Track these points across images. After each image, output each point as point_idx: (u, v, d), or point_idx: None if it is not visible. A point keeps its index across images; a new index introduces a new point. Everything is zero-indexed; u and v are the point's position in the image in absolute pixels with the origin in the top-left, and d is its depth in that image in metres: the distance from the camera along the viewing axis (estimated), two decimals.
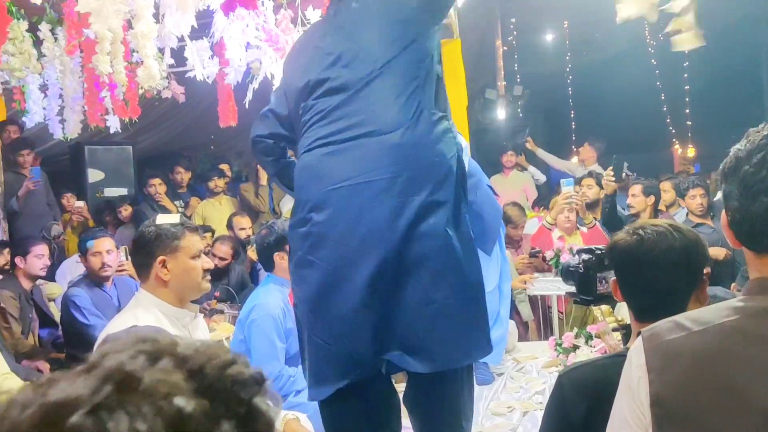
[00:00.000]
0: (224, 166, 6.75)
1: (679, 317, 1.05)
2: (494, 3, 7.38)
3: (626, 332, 2.03)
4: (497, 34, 7.87)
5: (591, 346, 3.30)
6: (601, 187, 4.78)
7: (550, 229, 4.72)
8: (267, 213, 6.24)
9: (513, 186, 6.69)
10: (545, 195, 6.77)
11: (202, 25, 3.26)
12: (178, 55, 3.84)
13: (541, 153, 7.19)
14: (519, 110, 8.03)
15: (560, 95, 9.22)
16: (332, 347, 1.79)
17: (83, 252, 3.86)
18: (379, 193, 1.74)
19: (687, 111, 9.06)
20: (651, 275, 1.51)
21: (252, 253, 4.55)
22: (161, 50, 3.45)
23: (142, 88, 3.96)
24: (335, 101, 1.83)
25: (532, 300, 4.62)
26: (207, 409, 0.51)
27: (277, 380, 2.80)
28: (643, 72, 9.12)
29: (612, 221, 4.54)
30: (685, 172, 8.20)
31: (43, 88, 4.61)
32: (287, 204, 6.04)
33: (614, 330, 2.16)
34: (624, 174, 4.76)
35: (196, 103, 6.65)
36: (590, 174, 5.28)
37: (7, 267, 4.47)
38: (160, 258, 2.08)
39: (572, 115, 9.11)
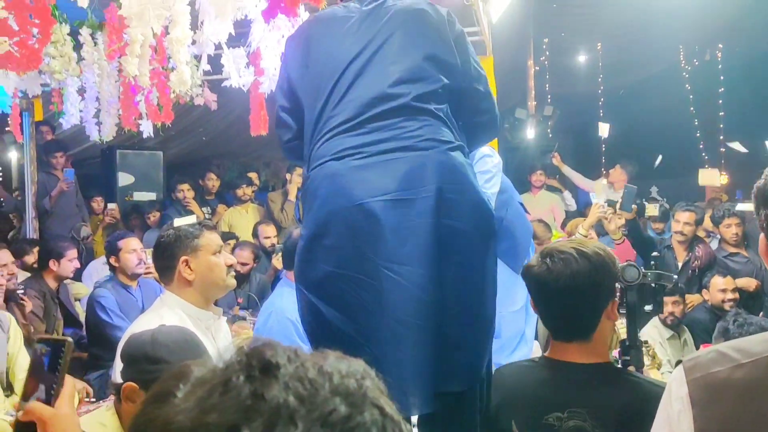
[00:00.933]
0: (252, 175, 6.81)
1: (723, 347, 1.00)
2: (527, 22, 7.36)
3: (623, 347, 2.02)
4: (529, 54, 7.85)
5: None
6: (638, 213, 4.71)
7: None
8: (290, 226, 6.25)
9: (541, 206, 6.63)
10: (573, 217, 6.70)
11: (240, 34, 3.29)
12: (213, 62, 3.88)
13: (567, 170, 7.10)
14: (549, 130, 7.98)
15: (591, 117, 9.14)
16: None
17: (114, 252, 3.91)
18: (420, 212, 1.67)
19: (721, 138, 8.92)
20: (559, 301, 1.60)
21: (277, 262, 4.55)
22: (198, 57, 3.49)
23: (174, 93, 4.01)
24: (371, 111, 1.76)
25: None
26: None
27: None
28: (677, 96, 9.01)
29: (642, 244, 4.47)
30: (717, 199, 8.06)
31: (81, 91, 4.69)
32: None
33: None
34: (636, 202, 4.66)
35: (227, 111, 6.72)
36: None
37: (35, 265, 4.53)
38: (183, 258, 2.09)
39: (602, 137, 9.02)
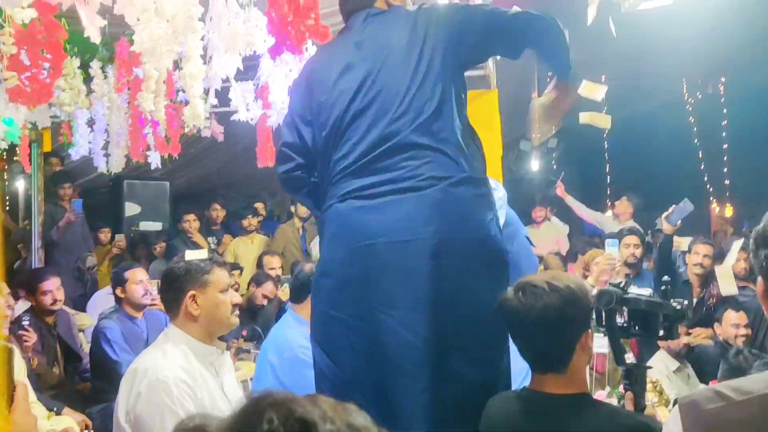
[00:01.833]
0: (258, 205, 6.83)
1: (719, 386, 1.02)
2: (532, 55, 7.44)
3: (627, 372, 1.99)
4: (534, 86, 7.91)
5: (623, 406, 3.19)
6: (644, 246, 4.69)
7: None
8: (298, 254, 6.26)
9: (546, 238, 6.63)
10: (576, 247, 6.67)
11: (248, 67, 3.33)
12: (221, 95, 3.93)
13: (570, 200, 7.06)
14: (553, 162, 8.01)
15: (596, 149, 9.18)
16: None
17: (120, 283, 3.91)
18: (417, 254, 1.68)
19: (725, 170, 8.94)
20: (532, 334, 1.63)
21: (282, 294, 4.55)
22: (206, 90, 3.53)
23: (188, 127, 4.06)
24: (372, 153, 1.77)
25: None
26: None
27: None
28: (682, 129, 9.06)
29: (664, 265, 4.44)
30: (722, 231, 8.04)
31: (90, 122, 4.75)
32: (317, 246, 6.05)
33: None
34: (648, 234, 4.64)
35: (233, 142, 6.78)
36: (631, 231, 5.11)
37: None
38: (191, 293, 2.09)
39: (607, 169, 9.05)
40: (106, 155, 4.95)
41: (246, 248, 6.19)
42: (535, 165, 7.75)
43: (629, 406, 1.84)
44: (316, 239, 6.12)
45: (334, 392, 1.69)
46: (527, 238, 3.00)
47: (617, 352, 2.05)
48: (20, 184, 7.55)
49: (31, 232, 5.62)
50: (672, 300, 1.96)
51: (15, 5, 2.09)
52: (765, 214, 1.03)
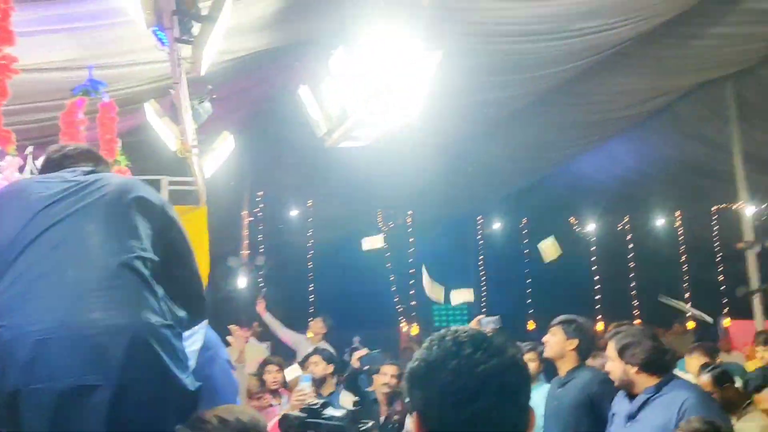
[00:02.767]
0: None
1: None
2: (245, 175, 7.66)
3: None
4: (244, 205, 8.09)
5: None
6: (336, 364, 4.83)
7: None
8: None
9: (249, 358, 6.53)
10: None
11: None
12: None
13: (268, 318, 7.05)
14: (260, 280, 8.12)
15: (301, 268, 9.59)
16: None
17: None
18: (95, 404, 1.52)
19: (412, 292, 9.97)
20: None
21: None
22: None
23: None
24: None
25: None
26: None
27: None
28: (377, 253, 9.96)
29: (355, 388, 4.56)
30: (410, 349, 8.82)
31: None
32: None
33: None
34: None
35: None
36: (316, 351, 5.22)
37: None
38: None
39: (311, 289, 9.47)
40: None
41: None
42: (242, 282, 7.75)
43: None
44: None
45: None
46: (228, 361, 2.92)
47: None
48: None
49: None
50: (359, 421, 2.03)
51: None
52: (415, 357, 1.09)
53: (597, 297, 11.20)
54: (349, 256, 10.00)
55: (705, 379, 3.63)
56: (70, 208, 1.72)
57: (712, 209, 10.26)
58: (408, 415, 4.38)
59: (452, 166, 8.07)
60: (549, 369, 3.33)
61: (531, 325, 10.58)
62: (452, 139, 7.05)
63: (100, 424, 1.51)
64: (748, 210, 8.28)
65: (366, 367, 3.89)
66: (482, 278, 11.74)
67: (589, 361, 3.42)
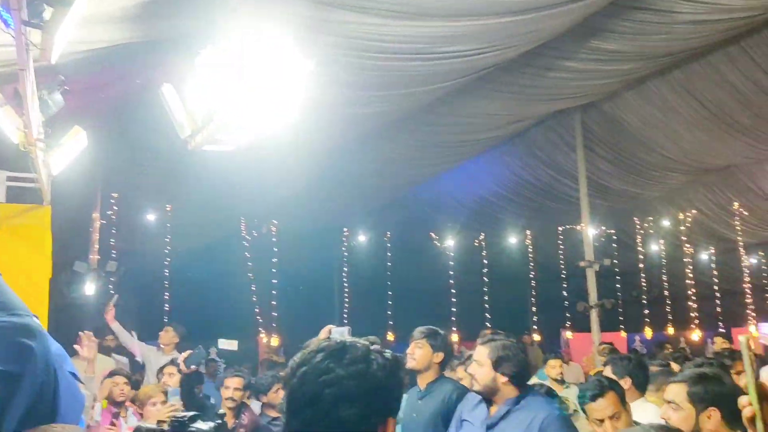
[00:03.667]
0: None
1: None
2: (97, 175, 7.17)
3: None
4: (96, 207, 7.58)
5: None
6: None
7: None
8: None
9: (99, 370, 6.07)
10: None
11: None
12: None
13: (116, 327, 6.55)
14: (111, 286, 7.60)
15: (158, 276, 9.13)
16: None
17: None
18: None
19: (274, 303, 9.83)
20: None
21: None
22: None
23: None
24: None
25: None
26: None
27: None
28: (238, 262, 9.74)
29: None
30: (268, 359, 8.67)
31: None
32: None
33: None
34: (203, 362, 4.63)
35: None
36: (173, 362, 4.99)
37: None
38: None
39: (167, 297, 9.03)
40: None
41: None
42: (90, 288, 7.21)
43: None
44: None
45: None
46: (73, 374, 2.68)
47: None
48: None
49: None
50: None
51: None
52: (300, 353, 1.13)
53: (453, 309, 11.66)
54: (209, 264, 9.70)
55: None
56: None
57: (558, 229, 11.08)
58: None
59: (320, 177, 8.07)
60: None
61: (391, 337, 10.79)
62: (321, 150, 7.05)
63: None
64: (589, 231, 9.04)
65: (192, 367, 3.86)
66: (345, 289, 11.84)
67: (447, 372, 3.51)
